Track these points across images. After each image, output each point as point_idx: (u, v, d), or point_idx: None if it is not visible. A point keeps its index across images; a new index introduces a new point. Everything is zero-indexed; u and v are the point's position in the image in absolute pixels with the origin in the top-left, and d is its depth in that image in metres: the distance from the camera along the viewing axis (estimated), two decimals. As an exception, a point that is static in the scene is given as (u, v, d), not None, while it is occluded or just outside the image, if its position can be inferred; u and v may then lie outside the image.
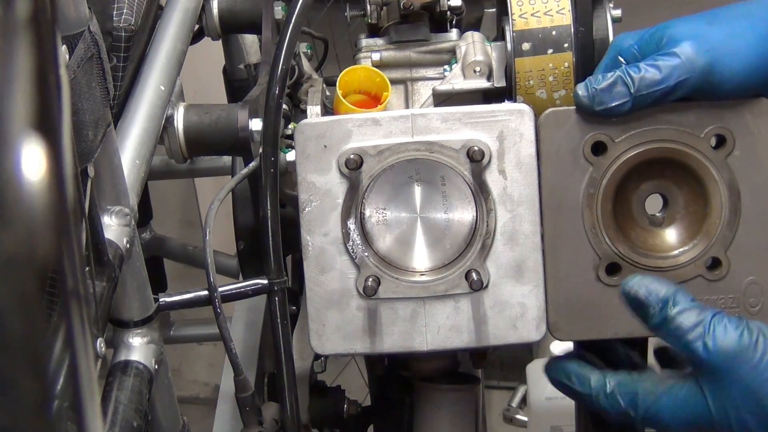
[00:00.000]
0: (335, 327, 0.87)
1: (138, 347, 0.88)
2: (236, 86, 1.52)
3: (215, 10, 1.21)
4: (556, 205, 0.86)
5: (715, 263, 0.86)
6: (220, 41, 1.37)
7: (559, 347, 1.83)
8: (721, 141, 0.85)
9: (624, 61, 0.85)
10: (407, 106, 1.02)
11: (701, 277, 0.86)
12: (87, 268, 0.71)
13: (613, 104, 0.82)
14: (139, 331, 0.88)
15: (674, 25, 0.83)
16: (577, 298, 0.86)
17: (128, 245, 0.82)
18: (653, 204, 0.88)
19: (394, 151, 0.85)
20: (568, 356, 0.89)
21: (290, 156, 0.93)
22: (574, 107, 0.85)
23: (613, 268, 0.86)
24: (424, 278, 0.87)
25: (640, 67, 0.82)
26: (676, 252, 0.86)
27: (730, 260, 0.86)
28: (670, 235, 0.87)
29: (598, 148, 0.85)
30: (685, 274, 0.86)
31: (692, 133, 0.84)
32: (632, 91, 0.81)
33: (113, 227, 0.81)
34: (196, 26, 1.18)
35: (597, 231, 0.86)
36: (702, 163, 0.84)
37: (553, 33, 0.91)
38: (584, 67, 0.91)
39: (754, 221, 0.85)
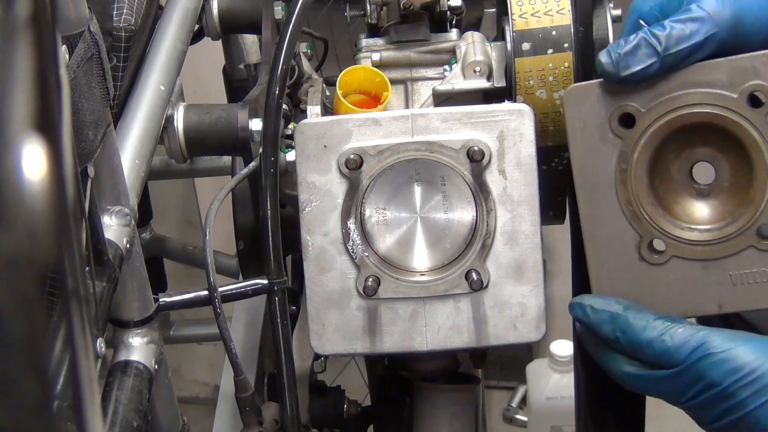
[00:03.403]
0: (335, 327, 0.87)
1: (138, 347, 0.88)
2: (236, 86, 1.53)
3: (215, 10, 1.21)
4: (588, 184, 0.82)
5: (766, 231, 0.79)
6: (220, 41, 1.37)
7: (560, 347, 1.83)
8: (757, 99, 0.78)
9: (646, 25, 0.80)
10: (407, 106, 1.02)
11: (753, 248, 0.80)
12: (87, 268, 0.71)
13: (640, 67, 0.77)
14: (139, 331, 0.88)
15: None
16: (622, 279, 0.82)
17: (128, 245, 0.82)
18: (706, 173, 0.82)
19: (394, 151, 0.85)
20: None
21: (290, 156, 0.93)
22: (597, 80, 0.81)
23: (658, 245, 0.81)
24: (424, 278, 0.87)
25: (665, 25, 0.77)
26: (722, 223, 0.81)
27: None
28: (718, 205, 0.81)
29: (626, 121, 0.80)
30: (734, 245, 0.80)
31: (725, 93, 0.78)
32: (659, 50, 0.77)
33: (113, 227, 0.81)
34: (196, 26, 1.18)
35: (634, 208, 0.81)
36: (740, 125, 0.78)
37: (553, 33, 0.91)
38: (584, 67, 0.91)
39: None
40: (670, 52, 0.77)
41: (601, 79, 0.82)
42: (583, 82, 0.83)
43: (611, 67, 0.78)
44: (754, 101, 0.78)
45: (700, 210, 0.81)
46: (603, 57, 0.79)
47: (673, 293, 0.81)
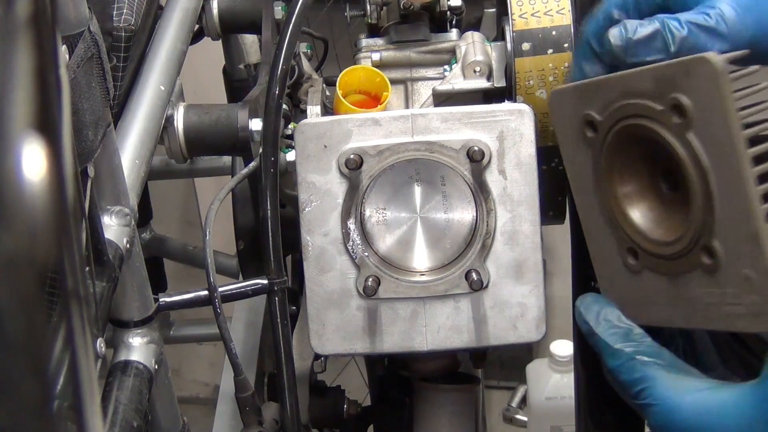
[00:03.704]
0: (335, 327, 0.87)
1: (138, 347, 0.88)
2: (236, 86, 1.53)
3: (215, 10, 1.21)
4: (579, 188, 0.81)
5: (707, 251, 0.73)
6: (220, 41, 1.37)
7: (560, 347, 1.83)
8: (678, 112, 0.70)
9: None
10: (407, 106, 1.02)
11: (700, 269, 0.74)
12: (87, 268, 0.71)
13: (648, 59, 0.73)
14: (139, 331, 0.89)
15: None
16: (615, 282, 0.81)
17: (128, 245, 0.82)
18: None
19: (394, 151, 0.85)
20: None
21: (290, 156, 0.93)
22: (573, 83, 0.79)
23: (633, 253, 0.79)
24: (424, 278, 0.87)
25: (682, 22, 0.72)
26: (672, 239, 0.75)
27: (718, 249, 0.71)
28: (675, 220, 0.76)
29: (593, 127, 0.78)
30: (685, 264, 0.75)
31: (653, 105, 0.73)
32: (672, 50, 0.72)
33: (113, 227, 0.81)
34: (196, 26, 1.18)
35: (610, 215, 0.79)
36: (666, 139, 0.72)
37: (553, 33, 0.91)
38: (584, 67, 0.91)
39: (728, 205, 0.70)
40: (681, 54, 0.72)
41: (576, 83, 0.79)
42: (562, 86, 0.81)
43: (620, 50, 0.74)
44: (676, 114, 0.71)
45: (661, 223, 0.77)
46: (614, 38, 0.74)
47: (648, 302, 0.79)
